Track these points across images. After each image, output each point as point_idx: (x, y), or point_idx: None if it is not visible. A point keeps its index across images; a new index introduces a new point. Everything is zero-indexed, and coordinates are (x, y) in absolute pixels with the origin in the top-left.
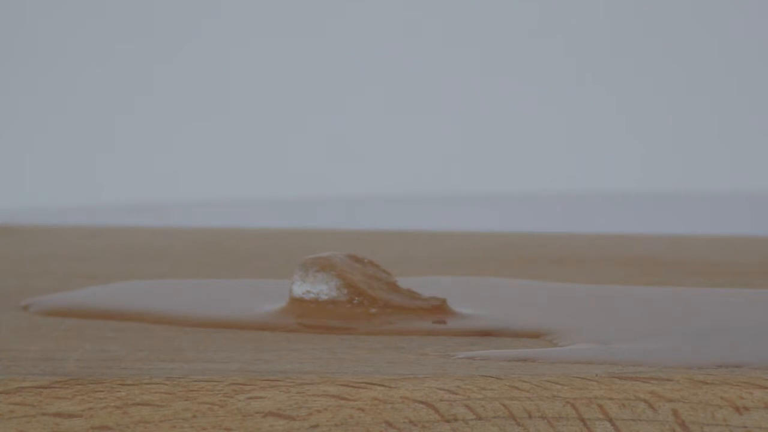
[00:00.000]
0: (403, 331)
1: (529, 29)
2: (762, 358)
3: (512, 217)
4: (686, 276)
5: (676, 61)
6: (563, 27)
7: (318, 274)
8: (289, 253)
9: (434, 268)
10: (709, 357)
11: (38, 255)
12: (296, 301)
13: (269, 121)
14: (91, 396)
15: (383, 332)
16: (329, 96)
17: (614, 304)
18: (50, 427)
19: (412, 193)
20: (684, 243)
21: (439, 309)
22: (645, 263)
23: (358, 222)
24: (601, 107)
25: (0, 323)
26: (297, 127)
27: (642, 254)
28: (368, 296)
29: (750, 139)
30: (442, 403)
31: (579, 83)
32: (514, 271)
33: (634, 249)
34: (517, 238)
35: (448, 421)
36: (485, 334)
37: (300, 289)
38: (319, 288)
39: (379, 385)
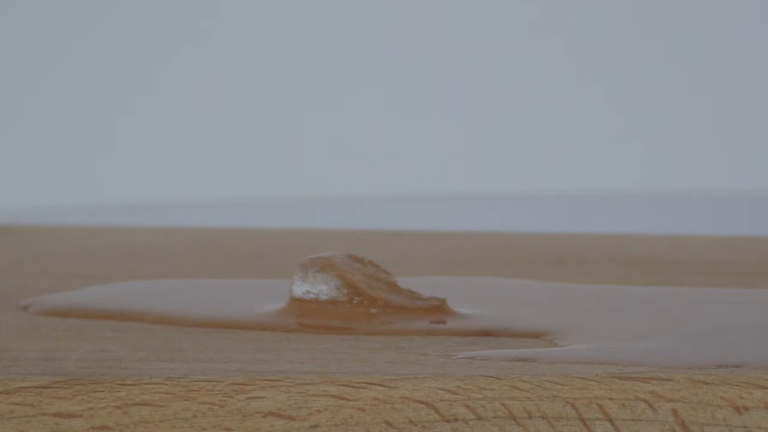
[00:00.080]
0: (403, 331)
1: (529, 29)
2: (762, 358)
3: (512, 217)
4: (686, 276)
5: (676, 61)
6: (563, 27)
7: (318, 274)
8: (289, 253)
9: (434, 268)
10: (709, 357)
11: (38, 255)
12: (296, 301)
13: (269, 121)
14: (91, 396)
15: (383, 332)
16: (329, 96)
17: (614, 304)
18: (50, 427)
19: (412, 193)
20: (684, 243)
21: (438, 309)
22: (645, 263)
23: (358, 222)
24: (601, 107)
25: (0, 323)
26: (297, 127)
27: (642, 254)
28: (368, 296)
29: (750, 139)
30: (442, 403)
31: (579, 83)
32: (514, 271)
33: (634, 249)
34: (517, 238)
35: (448, 421)
36: (485, 334)
37: (300, 289)
38: (319, 288)
39: (379, 385)
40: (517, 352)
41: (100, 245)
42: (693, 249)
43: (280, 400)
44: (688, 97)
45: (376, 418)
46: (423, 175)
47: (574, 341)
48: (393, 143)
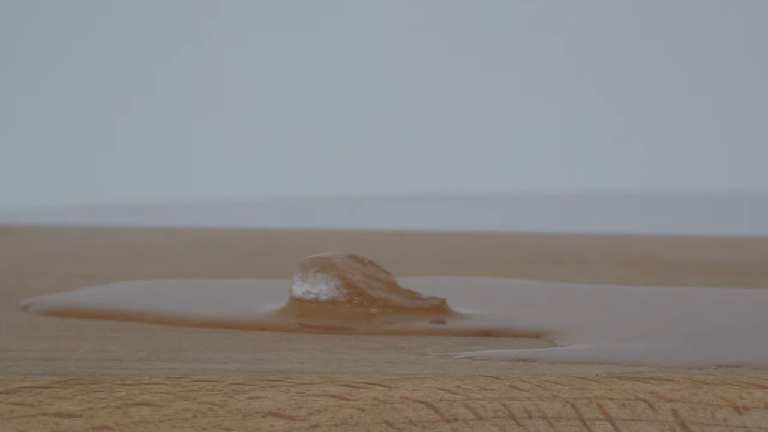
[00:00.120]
0: (403, 331)
1: (529, 29)
2: (762, 358)
3: (512, 217)
4: (686, 276)
5: (676, 61)
6: (563, 27)
7: (318, 274)
8: (289, 253)
9: (434, 268)
10: (709, 357)
11: (38, 255)
12: (296, 301)
13: (269, 121)
14: (91, 396)
15: (383, 332)
16: (329, 96)
17: (614, 304)
18: (50, 427)
19: (412, 193)
20: (684, 243)
21: (438, 309)
22: (645, 263)
23: (358, 222)
24: (601, 107)
25: (0, 323)
26: (297, 127)
27: (642, 254)
28: (368, 296)
29: (750, 139)
30: (442, 403)
31: (579, 83)
32: (514, 271)
33: (634, 249)
34: (517, 238)
35: (448, 421)
36: (485, 334)
37: (300, 289)
38: (319, 288)
39: (379, 385)
40: (517, 352)
41: (100, 245)
42: (693, 249)
43: (280, 400)
44: (688, 97)
45: (376, 418)
46: (423, 175)
47: (574, 341)
48: (393, 143)
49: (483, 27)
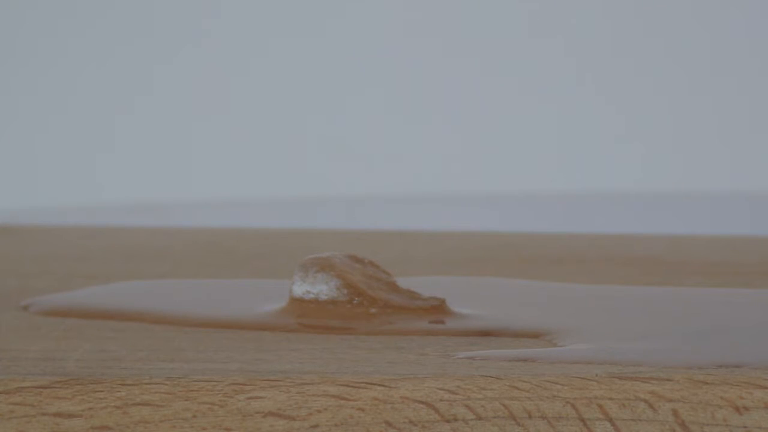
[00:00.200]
0: (403, 331)
1: (529, 29)
2: (762, 358)
3: (512, 217)
4: (686, 276)
5: (676, 61)
6: (563, 27)
7: (318, 275)
8: (289, 253)
9: (434, 268)
10: (709, 357)
11: (38, 255)
12: (296, 301)
13: (269, 121)
14: (91, 396)
15: (383, 332)
16: (329, 96)
17: (614, 304)
18: (50, 427)
19: (412, 193)
20: (684, 243)
21: (438, 309)
22: (645, 263)
23: (358, 222)
24: (601, 107)
25: (0, 323)
26: (297, 127)
27: (642, 254)
28: (368, 296)
29: (750, 139)
30: (442, 403)
31: (579, 83)
32: (514, 271)
33: (634, 249)
34: (517, 238)
35: (448, 421)
36: (485, 334)
37: (300, 289)
38: (319, 288)
39: (379, 385)
40: (517, 352)
41: (100, 245)
42: (693, 249)
43: (280, 400)
44: (688, 97)
45: (376, 418)
46: (423, 175)
47: (574, 341)
48: (393, 143)
49: (483, 27)
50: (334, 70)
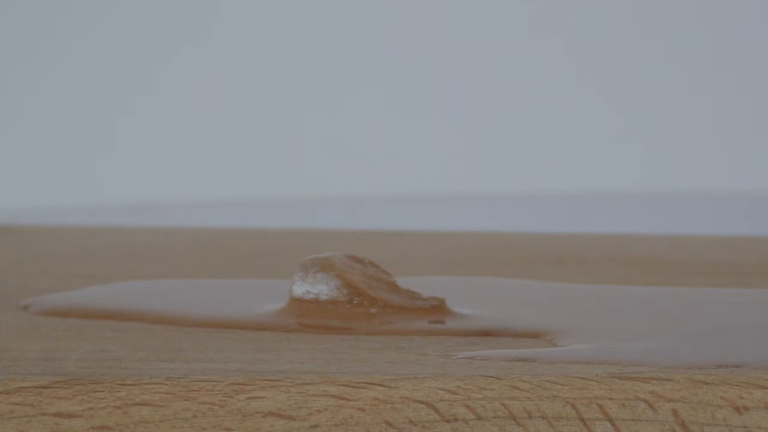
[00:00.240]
0: (403, 331)
1: (529, 29)
2: (762, 358)
3: (512, 217)
4: (686, 276)
5: (676, 61)
6: (563, 27)
7: (318, 275)
8: (289, 253)
9: (434, 268)
10: (709, 357)
11: (38, 255)
12: (296, 301)
13: (269, 121)
14: (91, 396)
15: (383, 332)
16: (329, 96)
17: (614, 304)
18: (50, 427)
19: (412, 193)
20: (684, 243)
21: (438, 309)
22: (645, 263)
23: (358, 222)
24: (601, 107)
25: (0, 323)
26: (297, 127)
27: (642, 254)
28: (368, 296)
29: (750, 139)
30: (442, 403)
31: (579, 83)
32: (514, 271)
33: (634, 249)
34: (517, 238)
35: (448, 421)
36: (485, 334)
37: (300, 289)
38: (319, 288)
39: (379, 385)
40: (517, 352)
41: (100, 245)
42: (693, 249)
43: (280, 400)
44: (688, 97)
45: (376, 418)
46: (423, 175)
47: (574, 341)
48: (393, 143)
49: (483, 27)
50: (334, 70)
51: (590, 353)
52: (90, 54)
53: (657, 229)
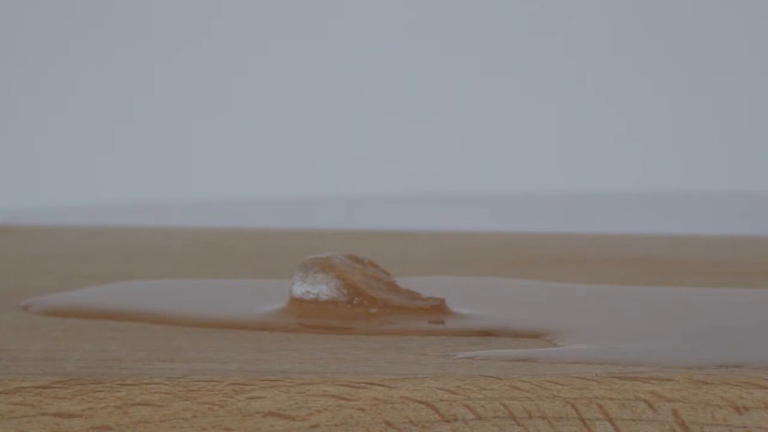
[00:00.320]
0: (403, 331)
1: (529, 29)
2: (762, 358)
3: (512, 217)
4: (686, 276)
5: (676, 61)
6: (563, 27)
7: (318, 275)
8: (289, 253)
9: (434, 268)
10: (709, 357)
11: (38, 255)
12: (296, 301)
13: (269, 121)
14: (91, 396)
15: (383, 332)
16: (329, 96)
17: (614, 304)
18: (50, 427)
19: (412, 193)
20: (684, 243)
21: (437, 309)
22: (645, 263)
23: (358, 222)
24: (601, 107)
25: (0, 323)
26: (297, 127)
27: (642, 254)
28: (368, 296)
29: (750, 139)
30: (442, 403)
31: (579, 83)
32: (514, 271)
33: (634, 249)
34: (517, 238)
35: (448, 421)
36: (485, 334)
37: (300, 289)
38: (319, 288)
39: (379, 385)
40: (517, 352)
41: (100, 245)
42: (693, 249)
43: (280, 400)
44: (688, 97)
45: (376, 418)
46: (423, 175)
47: (574, 341)
48: (393, 143)
49: (483, 27)
50: (334, 70)
51: (590, 353)
52: (90, 54)
53: (657, 229)
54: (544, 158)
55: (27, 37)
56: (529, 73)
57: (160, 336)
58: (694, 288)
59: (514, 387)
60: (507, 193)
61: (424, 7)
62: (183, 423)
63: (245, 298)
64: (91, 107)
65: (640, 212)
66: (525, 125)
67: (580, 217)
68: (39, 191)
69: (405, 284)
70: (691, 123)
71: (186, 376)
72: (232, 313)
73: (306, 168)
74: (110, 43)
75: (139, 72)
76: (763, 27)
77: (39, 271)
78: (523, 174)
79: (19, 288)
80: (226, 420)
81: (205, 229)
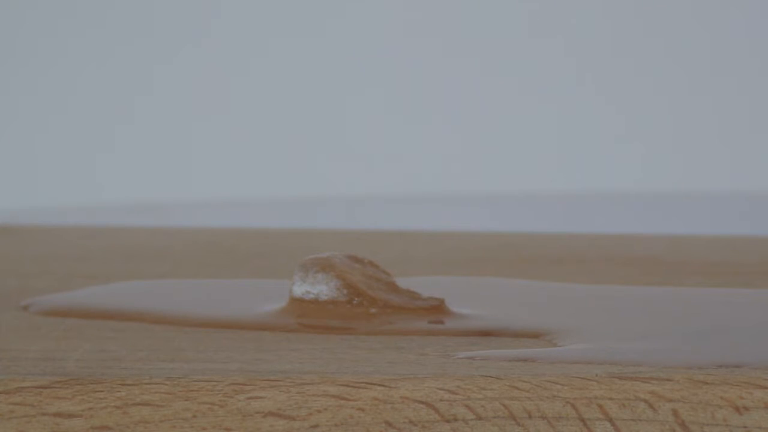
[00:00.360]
0: (403, 331)
1: (529, 29)
2: (762, 358)
3: (512, 217)
4: (686, 276)
5: (676, 61)
6: (563, 27)
7: (318, 275)
8: (289, 253)
9: (434, 268)
10: (709, 357)
11: (38, 255)
12: (296, 301)
13: (269, 121)
14: (91, 396)
15: (383, 332)
16: (329, 96)
17: (614, 304)
18: (50, 427)
19: (412, 193)
20: (684, 243)
21: (438, 309)
22: (645, 263)
23: (358, 222)
24: (601, 107)
25: (0, 323)
26: (297, 127)
27: (642, 254)
28: (368, 296)
29: (750, 139)
30: (442, 403)
31: (579, 83)
32: (514, 271)
33: (634, 249)
34: (517, 238)
35: (448, 421)
36: (485, 334)
37: (300, 289)
38: (319, 288)
39: (379, 385)
40: (517, 352)
41: (100, 245)
42: (693, 249)
43: (280, 400)
44: (688, 97)
45: (376, 418)
46: (423, 175)
47: (574, 341)
48: (393, 143)
49: (483, 27)
50: (334, 70)
51: (590, 353)
52: (90, 54)
53: (657, 229)
54: (544, 158)
55: (27, 37)
56: (529, 73)
57: (160, 336)
58: (694, 288)
59: (514, 387)
60: (507, 193)
61: (424, 7)
62: (183, 423)
63: (245, 298)
64: (91, 107)
65: (640, 212)
66: (525, 125)
67: (580, 217)
68: (39, 191)
69: (405, 284)
70: (691, 123)
71: (186, 376)
72: (232, 313)
73: (306, 168)
74: (110, 43)
75: (139, 72)
76: (763, 27)
77: (39, 271)
78: (523, 174)
79: (19, 288)
80: (226, 420)
81: (205, 229)
